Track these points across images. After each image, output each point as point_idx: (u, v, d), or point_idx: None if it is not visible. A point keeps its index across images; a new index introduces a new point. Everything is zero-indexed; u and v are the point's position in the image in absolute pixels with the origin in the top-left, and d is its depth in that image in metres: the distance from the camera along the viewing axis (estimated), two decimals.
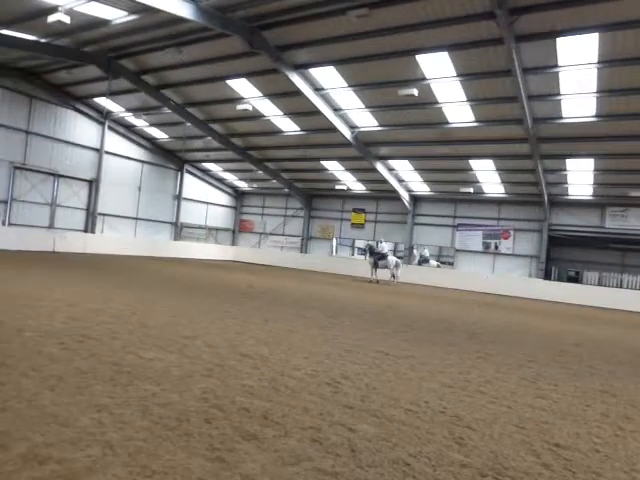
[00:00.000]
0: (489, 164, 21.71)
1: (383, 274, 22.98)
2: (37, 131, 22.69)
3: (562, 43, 12.95)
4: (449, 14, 12.71)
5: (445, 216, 26.99)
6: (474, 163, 21.93)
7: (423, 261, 28.32)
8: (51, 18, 14.03)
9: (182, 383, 4.28)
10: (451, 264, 27.57)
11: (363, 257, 21.97)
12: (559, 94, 15.29)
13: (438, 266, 28.44)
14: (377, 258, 22.17)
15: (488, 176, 23.10)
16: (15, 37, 16.66)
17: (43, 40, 17.16)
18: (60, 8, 14.00)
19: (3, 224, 21.40)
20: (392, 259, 22.50)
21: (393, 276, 22.53)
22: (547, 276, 24.15)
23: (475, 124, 18.17)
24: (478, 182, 23.99)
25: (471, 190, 24.61)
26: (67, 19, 14.05)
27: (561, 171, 20.94)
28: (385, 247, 22.87)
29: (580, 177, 21.20)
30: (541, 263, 24.01)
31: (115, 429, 3.17)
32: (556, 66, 13.91)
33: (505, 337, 9.28)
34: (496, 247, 25.57)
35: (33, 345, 5.07)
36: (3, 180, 21.50)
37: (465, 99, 16.66)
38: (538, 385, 5.57)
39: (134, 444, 2.99)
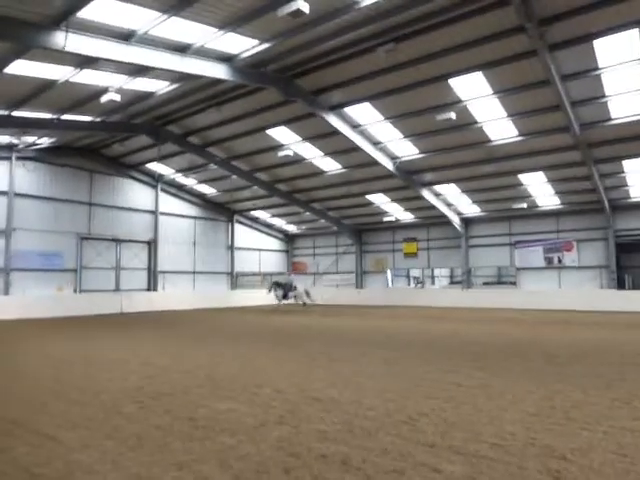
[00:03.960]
0: (540, 177, 20.97)
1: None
2: (98, 202, 24.31)
3: (599, 44, 12.56)
4: (476, 35, 12.68)
5: (500, 235, 26.09)
6: (523, 177, 21.25)
7: (418, 283, 33.50)
8: (104, 98, 15.27)
9: (257, 433, 4.26)
10: (513, 283, 26.45)
11: (269, 291, 25.38)
12: (604, 96, 14.70)
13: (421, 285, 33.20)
14: (287, 290, 24.87)
15: (541, 189, 22.27)
16: (74, 120, 18.21)
17: (98, 119, 18.63)
18: (110, 88, 15.23)
19: (75, 291, 22.74)
20: (301, 288, 25.66)
21: (304, 304, 25.35)
22: (621, 286, 22.59)
23: (519, 138, 17.72)
24: (531, 196, 23.17)
25: (525, 205, 23.76)
26: (117, 97, 15.25)
27: (619, 174, 19.87)
28: (293, 280, 26.10)
29: None
30: (612, 272, 22.55)
31: None
32: (597, 68, 13.45)
33: (586, 357, 8.66)
34: (559, 261, 24.32)
35: (112, 406, 5.25)
36: (72, 250, 23.01)
37: (505, 115, 16.35)
38: (634, 405, 5.12)
39: None
